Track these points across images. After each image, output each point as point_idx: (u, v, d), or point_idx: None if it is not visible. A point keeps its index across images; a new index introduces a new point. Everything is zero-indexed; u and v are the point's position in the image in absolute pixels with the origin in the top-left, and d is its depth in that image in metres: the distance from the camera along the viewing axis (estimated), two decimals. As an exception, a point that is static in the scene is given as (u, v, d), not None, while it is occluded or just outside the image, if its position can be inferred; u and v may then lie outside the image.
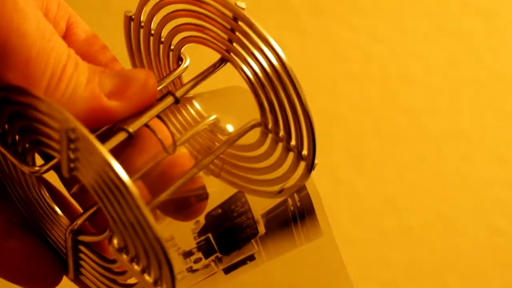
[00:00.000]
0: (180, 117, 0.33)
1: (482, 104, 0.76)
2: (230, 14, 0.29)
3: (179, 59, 0.32)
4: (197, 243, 0.30)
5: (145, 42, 0.33)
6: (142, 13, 0.32)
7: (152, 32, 0.32)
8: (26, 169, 0.28)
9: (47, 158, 0.28)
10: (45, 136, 0.26)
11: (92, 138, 0.24)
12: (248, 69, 0.30)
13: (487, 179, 0.73)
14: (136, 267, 0.25)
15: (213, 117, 0.33)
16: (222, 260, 0.30)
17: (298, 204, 0.31)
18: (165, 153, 0.30)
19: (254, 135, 0.32)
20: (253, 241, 0.31)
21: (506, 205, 0.72)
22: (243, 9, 0.28)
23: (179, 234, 0.30)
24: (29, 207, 0.30)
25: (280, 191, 0.31)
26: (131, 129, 0.28)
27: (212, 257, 0.30)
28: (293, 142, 0.31)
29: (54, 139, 0.25)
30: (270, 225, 0.30)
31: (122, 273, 0.28)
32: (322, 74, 0.74)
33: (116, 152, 0.28)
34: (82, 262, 0.29)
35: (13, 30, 0.25)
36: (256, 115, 0.31)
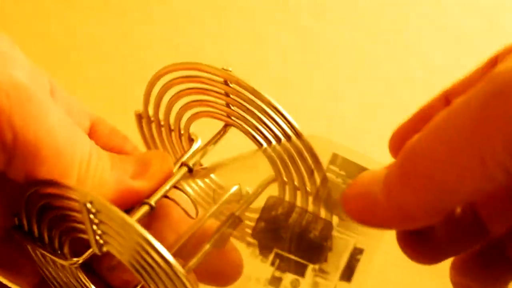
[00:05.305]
0: (200, 186, 0.34)
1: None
2: (221, 79, 0.30)
3: (191, 140, 0.34)
4: (271, 263, 0.27)
5: (158, 133, 0.35)
6: (149, 107, 0.34)
7: (162, 123, 0.34)
8: (65, 262, 0.29)
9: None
10: (72, 221, 0.27)
11: (113, 207, 0.25)
12: (252, 129, 0.31)
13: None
14: None
15: (235, 188, 0.34)
16: (324, 270, 0.26)
17: None
18: (195, 228, 0.31)
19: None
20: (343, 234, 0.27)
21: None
22: (230, 71, 0.30)
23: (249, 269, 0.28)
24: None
25: None
26: (152, 201, 0.29)
27: (309, 271, 0.26)
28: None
29: (79, 220, 0.26)
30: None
31: None
32: (322, 74, 0.73)
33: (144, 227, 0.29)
34: None
35: (41, 123, 0.27)
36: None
